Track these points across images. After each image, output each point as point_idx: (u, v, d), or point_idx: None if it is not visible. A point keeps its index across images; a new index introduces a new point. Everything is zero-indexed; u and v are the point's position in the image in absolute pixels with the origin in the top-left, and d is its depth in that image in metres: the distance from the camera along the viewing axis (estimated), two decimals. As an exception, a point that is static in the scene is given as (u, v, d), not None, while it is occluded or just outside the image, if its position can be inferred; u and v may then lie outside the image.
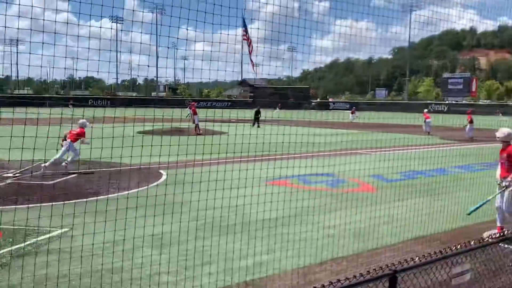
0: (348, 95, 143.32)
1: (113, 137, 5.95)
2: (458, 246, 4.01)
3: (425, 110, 35.06)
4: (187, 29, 6.05)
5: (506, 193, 7.92)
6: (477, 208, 8.09)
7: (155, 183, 11.91)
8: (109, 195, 10.15)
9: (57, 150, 12.47)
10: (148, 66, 6.04)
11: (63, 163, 13.59)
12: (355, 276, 3.02)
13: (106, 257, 6.15)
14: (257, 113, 35.65)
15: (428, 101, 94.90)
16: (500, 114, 62.52)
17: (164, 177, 12.81)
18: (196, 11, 5.77)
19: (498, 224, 8.15)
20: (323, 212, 9.15)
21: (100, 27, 5.38)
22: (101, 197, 9.96)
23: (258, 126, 32.14)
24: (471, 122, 28.81)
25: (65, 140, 13.59)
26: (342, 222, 8.32)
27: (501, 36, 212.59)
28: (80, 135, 13.82)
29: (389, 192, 11.27)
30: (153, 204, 6.32)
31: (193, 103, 34.11)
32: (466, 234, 7.99)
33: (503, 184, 7.96)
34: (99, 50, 5.49)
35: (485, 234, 7.34)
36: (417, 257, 3.61)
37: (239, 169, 7.98)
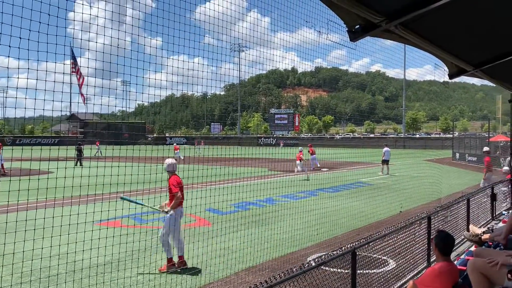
0: (185, 129, 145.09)
1: None
2: (282, 274, 4.26)
3: (300, 149, 31.64)
4: (7, 67, 5.47)
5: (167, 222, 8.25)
6: (131, 200, 8.65)
7: None
8: None
9: None
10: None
11: None
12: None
13: None
14: (79, 151, 34.63)
15: (259, 135, 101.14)
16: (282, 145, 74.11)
17: None
18: (18, 48, 5.27)
19: (168, 256, 8.22)
20: (158, 251, 8.94)
21: None
22: None
23: (81, 165, 31.09)
24: (312, 153, 31.29)
25: None
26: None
27: (317, 76, 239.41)
28: None
29: (224, 225, 11.55)
30: None
31: None
32: (293, 260, 8.57)
33: (167, 213, 8.35)
34: None
35: (309, 258, 7.96)
36: (244, 290, 3.73)
37: (62, 214, 7.38)
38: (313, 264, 4.84)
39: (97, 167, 7.78)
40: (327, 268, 5.42)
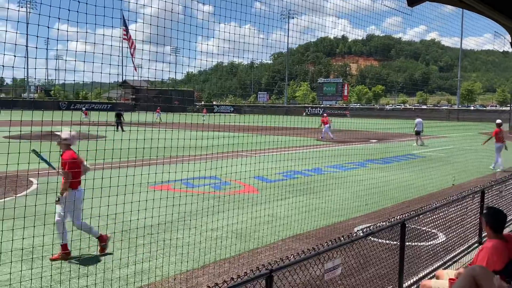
0: (232, 98, 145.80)
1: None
2: (330, 242, 4.29)
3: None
4: (57, 29, 5.64)
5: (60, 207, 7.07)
6: (41, 157, 7.02)
7: (23, 192, 10.98)
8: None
9: None
10: (13, 67, 5.48)
11: None
12: (232, 278, 3.06)
13: (-35, 277, 5.52)
14: (118, 116, 34.84)
15: (306, 105, 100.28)
16: (348, 115, 71.84)
17: (34, 185, 11.86)
18: (68, 10, 5.41)
19: (63, 242, 6.92)
20: (207, 215, 9.17)
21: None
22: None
23: (123, 130, 31.66)
24: (326, 123, 31.88)
25: None
26: (225, 224, 8.42)
27: (369, 44, 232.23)
28: None
29: (271, 192, 11.66)
30: (23, 215, 5.80)
31: None
32: (339, 229, 8.57)
33: (57, 198, 7.07)
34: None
35: (356, 229, 7.94)
36: (293, 255, 3.78)
37: (119, 176, 7.67)
38: (361, 234, 4.83)
39: (152, 131, 7.99)
40: (375, 239, 5.40)
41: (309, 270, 3.92)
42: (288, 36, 72.33)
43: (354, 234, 4.82)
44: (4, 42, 5.17)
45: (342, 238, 4.42)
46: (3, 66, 4.91)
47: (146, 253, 7.01)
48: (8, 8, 5.34)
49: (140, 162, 14.05)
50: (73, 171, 7.04)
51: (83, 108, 40.45)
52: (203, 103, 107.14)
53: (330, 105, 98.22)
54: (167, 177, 11.14)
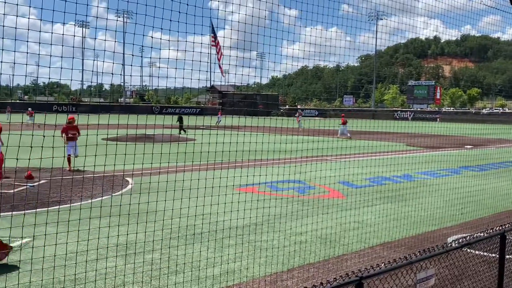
0: (317, 101, 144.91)
1: (81, 145, 5.78)
2: (423, 252, 4.07)
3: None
4: (151, 37, 5.93)
5: None
6: None
7: (120, 191, 11.68)
8: (72, 204, 9.89)
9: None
10: (112, 74, 5.86)
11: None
12: (322, 283, 3.00)
13: (69, 267, 5.95)
14: (180, 120, 36.14)
15: (395, 108, 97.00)
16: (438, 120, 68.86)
17: (130, 185, 12.58)
18: (161, 18, 5.67)
19: None
20: (292, 219, 9.15)
21: (63, 34, 5.22)
22: (64, 206, 9.67)
23: (185, 132, 32.89)
24: (344, 123, 33.03)
25: None
26: (311, 228, 8.34)
27: (463, 45, 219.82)
28: None
29: (358, 199, 11.38)
30: (118, 213, 6.17)
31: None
32: (431, 239, 8.14)
33: None
34: (62, 57, 5.33)
35: (450, 239, 7.49)
36: (383, 263, 3.63)
37: (206, 177, 7.89)
38: (456, 244, 4.54)
39: (237, 135, 8.13)
40: (471, 250, 5.04)
41: (400, 279, 3.75)
42: (376, 38, 70.49)
43: (449, 244, 4.54)
44: (104, 50, 5.54)
45: (435, 248, 4.18)
46: (102, 72, 5.26)
47: (234, 253, 7.13)
48: (107, 19, 5.72)
49: (226, 165, 14.42)
50: None
51: (29, 108, 39.01)
52: (287, 106, 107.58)
53: (421, 108, 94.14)
54: (252, 179, 11.28)
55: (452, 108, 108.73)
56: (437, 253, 4.14)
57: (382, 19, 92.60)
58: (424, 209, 10.21)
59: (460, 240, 4.66)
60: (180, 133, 33.40)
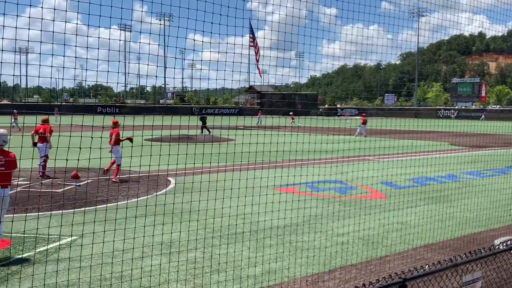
0: (357, 100, 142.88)
1: (126, 146, 5.98)
2: (469, 254, 3.97)
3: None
4: (193, 40, 6.06)
5: None
6: None
7: (163, 191, 11.93)
8: (118, 203, 10.20)
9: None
10: (156, 76, 6.02)
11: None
12: (364, 285, 2.99)
13: (115, 265, 6.15)
14: (203, 120, 36.11)
15: (438, 107, 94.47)
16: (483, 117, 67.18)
17: (172, 184, 12.83)
18: (203, 21, 5.78)
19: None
20: (333, 219, 9.09)
21: (109, 38, 5.41)
22: (110, 205, 9.99)
23: (209, 132, 33.16)
24: (364, 123, 33.66)
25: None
26: (352, 229, 8.26)
27: (510, 41, 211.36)
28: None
29: (400, 199, 11.18)
30: (162, 212, 6.32)
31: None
32: (477, 241, 7.92)
33: None
34: (108, 60, 5.53)
35: (497, 241, 7.25)
36: (427, 265, 3.58)
37: (247, 177, 7.97)
38: (504, 246, 4.40)
39: (278, 135, 8.17)
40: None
41: (445, 281, 3.69)
42: (418, 35, 68.89)
43: (496, 247, 4.42)
44: (148, 54, 5.70)
45: (482, 250, 4.07)
46: (147, 76, 5.42)
47: (274, 253, 7.16)
48: (150, 23, 5.88)
49: (267, 165, 14.49)
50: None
51: (15, 111, 37.86)
52: (327, 106, 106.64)
53: (466, 106, 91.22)
54: (292, 180, 11.30)
55: (498, 106, 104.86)
56: (483, 255, 4.04)
57: (424, 16, 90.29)
58: (469, 210, 9.93)
59: (508, 242, 4.52)
60: (202, 132, 33.75)
